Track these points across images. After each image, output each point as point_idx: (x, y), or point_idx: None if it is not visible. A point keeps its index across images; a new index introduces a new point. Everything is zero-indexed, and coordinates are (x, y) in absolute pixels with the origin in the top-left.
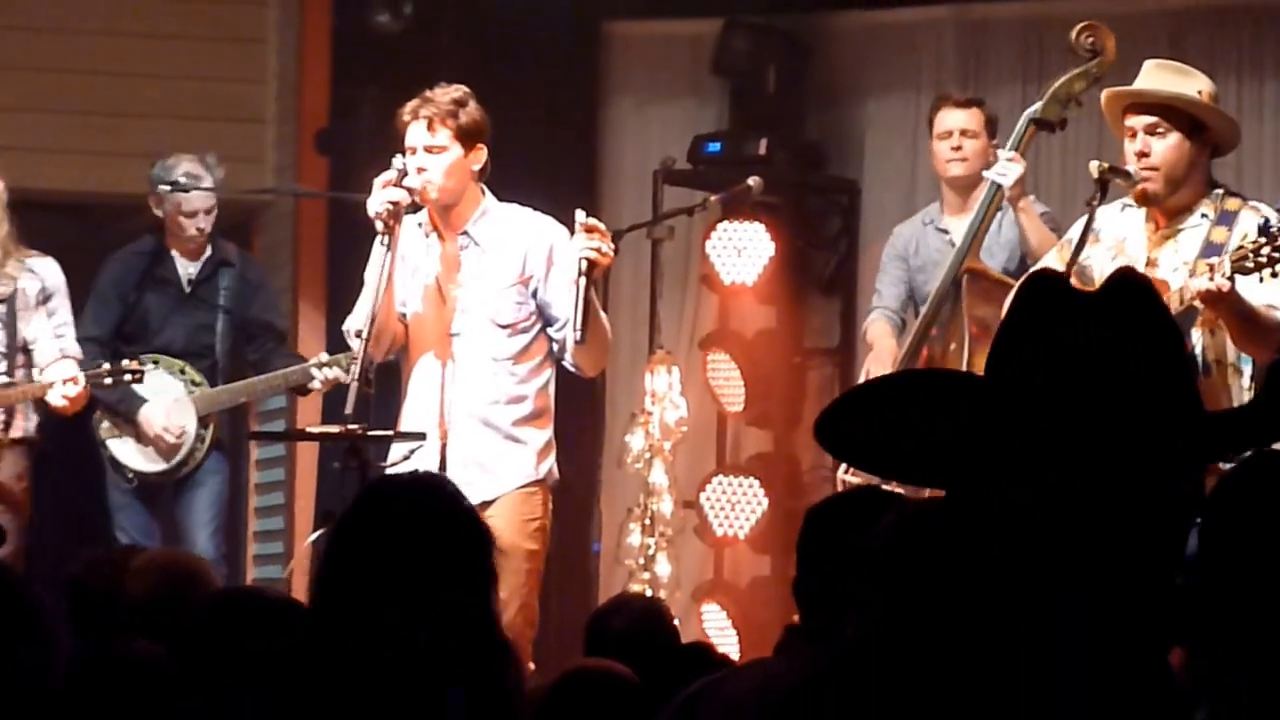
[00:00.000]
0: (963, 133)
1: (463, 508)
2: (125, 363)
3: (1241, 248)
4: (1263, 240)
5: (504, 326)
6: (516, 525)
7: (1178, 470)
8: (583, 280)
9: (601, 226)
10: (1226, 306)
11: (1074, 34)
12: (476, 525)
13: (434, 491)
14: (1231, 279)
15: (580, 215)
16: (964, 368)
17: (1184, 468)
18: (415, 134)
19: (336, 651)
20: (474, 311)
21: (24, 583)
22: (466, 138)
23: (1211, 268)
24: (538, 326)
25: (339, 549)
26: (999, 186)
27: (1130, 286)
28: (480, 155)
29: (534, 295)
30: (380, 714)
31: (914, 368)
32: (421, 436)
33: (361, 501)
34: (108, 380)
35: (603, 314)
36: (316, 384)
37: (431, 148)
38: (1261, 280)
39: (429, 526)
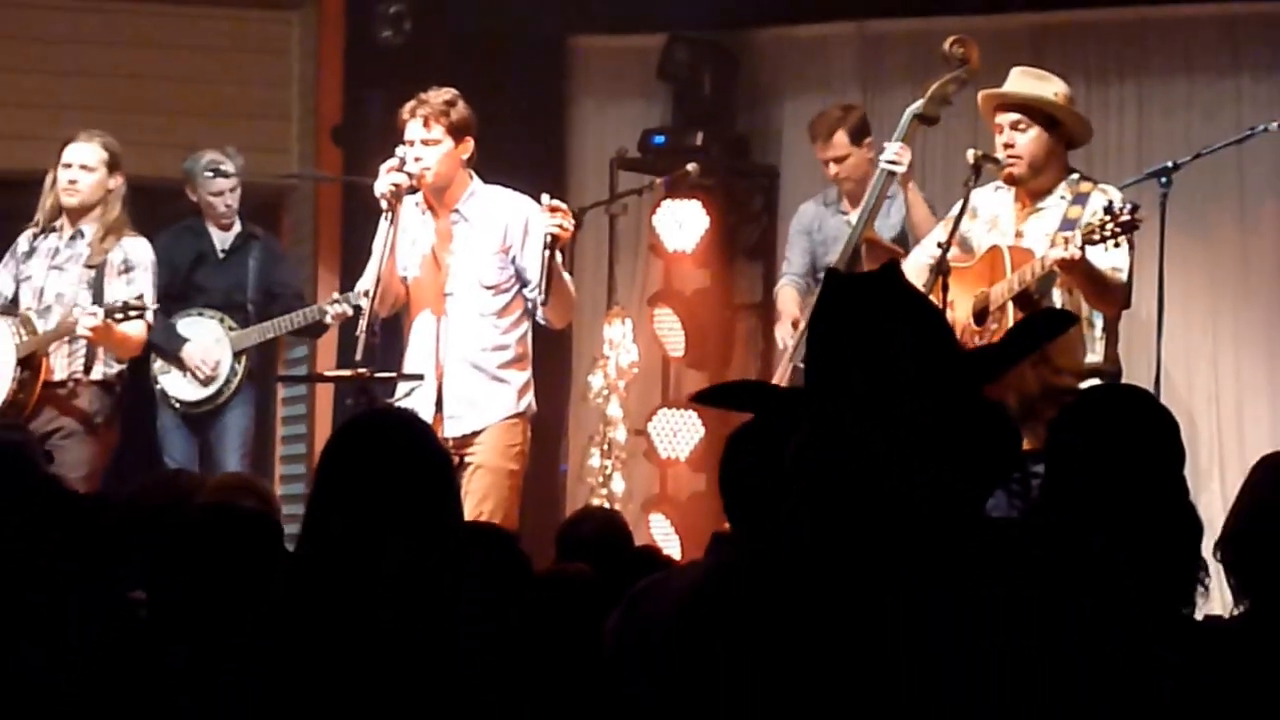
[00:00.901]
0: (835, 160)
1: (425, 439)
2: (130, 300)
3: (1090, 223)
4: (1107, 218)
5: (489, 287)
6: (501, 450)
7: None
8: (547, 252)
9: (564, 206)
10: (1079, 272)
11: (946, 45)
12: (437, 455)
13: (401, 425)
14: (1082, 249)
15: (545, 197)
16: None
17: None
18: (414, 129)
19: (319, 566)
20: (464, 275)
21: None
22: (456, 132)
23: (1066, 240)
24: (517, 287)
25: (320, 475)
26: (891, 173)
27: (888, 272)
28: (468, 146)
29: (513, 261)
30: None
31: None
32: (420, 378)
33: (338, 435)
34: (119, 315)
35: (567, 277)
36: (329, 319)
37: (427, 140)
38: (1106, 250)
39: (395, 456)
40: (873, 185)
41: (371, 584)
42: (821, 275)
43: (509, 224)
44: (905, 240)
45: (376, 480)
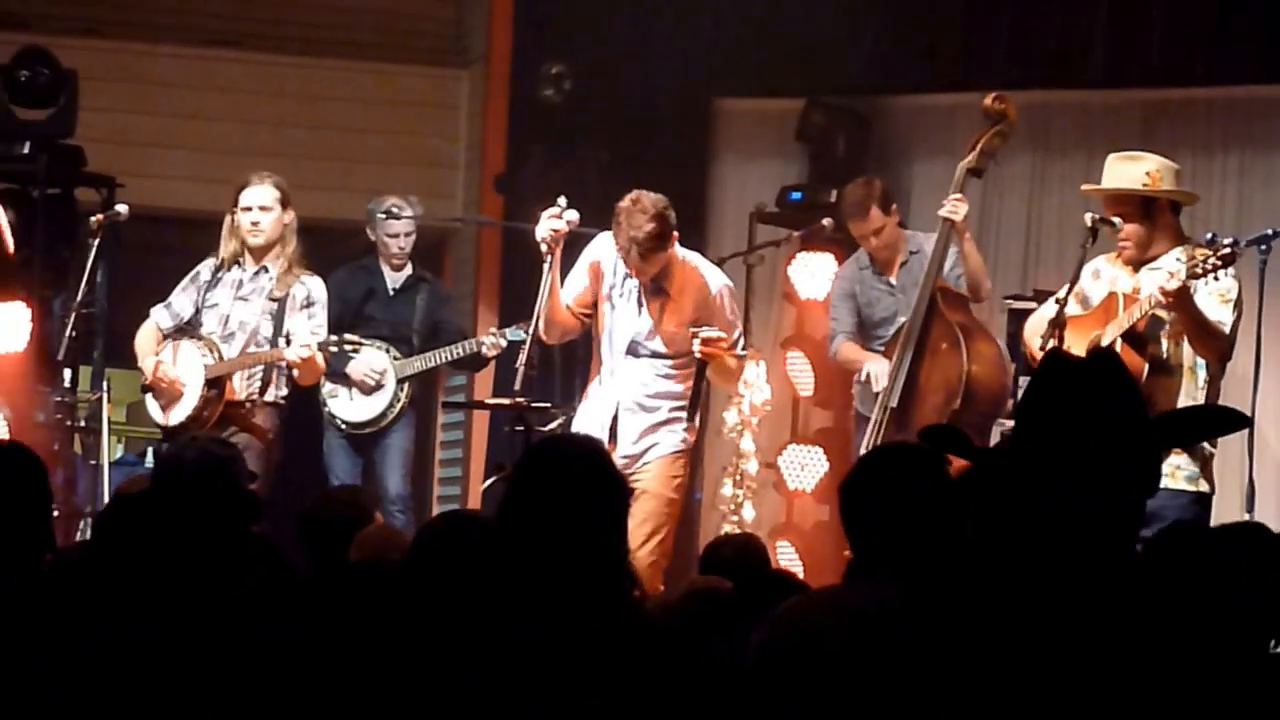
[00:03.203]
0: (875, 233)
1: (606, 463)
2: (347, 335)
3: (1192, 257)
4: (1209, 251)
5: (674, 348)
6: (664, 480)
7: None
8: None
9: (715, 336)
10: (1181, 306)
11: (988, 101)
12: (617, 479)
13: (588, 450)
14: (1185, 282)
15: (704, 331)
16: (963, 360)
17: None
18: (638, 267)
19: (511, 575)
20: (654, 332)
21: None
22: (668, 241)
23: (1171, 275)
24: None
25: (514, 488)
26: (951, 222)
27: (1104, 358)
28: (675, 237)
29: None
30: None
31: (917, 368)
32: (567, 410)
33: (533, 453)
34: (333, 349)
35: (733, 364)
36: (485, 350)
37: (648, 269)
38: (1206, 283)
39: (583, 477)
40: (938, 235)
41: (551, 596)
42: (872, 329)
43: (701, 298)
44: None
45: (563, 498)
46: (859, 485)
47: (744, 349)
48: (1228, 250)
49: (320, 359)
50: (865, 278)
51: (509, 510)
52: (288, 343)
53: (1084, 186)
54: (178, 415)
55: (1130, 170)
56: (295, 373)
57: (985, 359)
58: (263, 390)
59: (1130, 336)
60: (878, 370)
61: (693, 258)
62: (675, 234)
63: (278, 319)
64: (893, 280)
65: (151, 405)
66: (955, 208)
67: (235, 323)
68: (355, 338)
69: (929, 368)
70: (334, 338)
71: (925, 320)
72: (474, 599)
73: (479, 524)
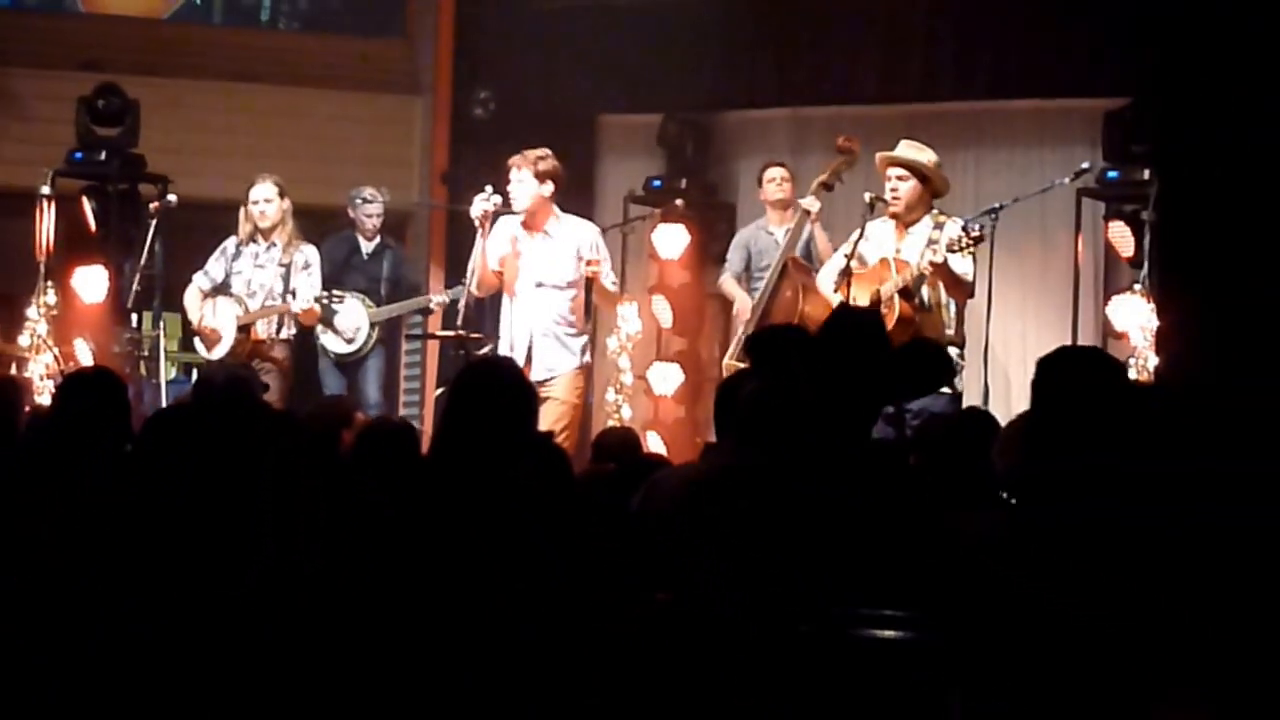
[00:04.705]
0: (783, 179)
1: (520, 376)
2: (334, 292)
3: (952, 239)
4: (963, 235)
5: (565, 283)
6: (568, 389)
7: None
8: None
9: (596, 259)
10: (943, 272)
11: (840, 141)
12: (527, 388)
13: (505, 367)
14: (945, 256)
15: (585, 268)
16: (800, 303)
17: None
18: (513, 173)
19: (451, 466)
20: (549, 274)
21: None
22: (540, 176)
23: (935, 249)
24: (583, 282)
25: (451, 402)
26: (808, 211)
27: (852, 315)
28: (548, 187)
29: (584, 265)
30: (477, 508)
31: (768, 307)
32: (491, 339)
33: (465, 372)
34: (324, 300)
35: (613, 289)
36: (433, 306)
37: (519, 180)
38: (962, 258)
39: (501, 387)
40: (796, 219)
41: (492, 475)
42: (755, 272)
43: (580, 242)
44: (810, 259)
45: (490, 402)
46: (727, 390)
47: (616, 285)
48: (978, 234)
49: (316, 308)
50: (760, 235)
51: (451, 409)
52: (294, 297)
53: (879, 154)
54: (219, 352)
55: (917, 153)
56: (299, 317)
57: (816, 303)
58: (278, 330)
59: (902, 291)
60: (741, 308)
61: (574, 218)
62: (551, 183)
63: (285, 279)
64: (779, 238)
65: (199, 345)
66: (810, 202)
67: (257, 284)
68: (339, 292)
69: (775, 308)
70: (325, 294)
71: (778, 279)
72: (406, 470)
73: (403, 427)
